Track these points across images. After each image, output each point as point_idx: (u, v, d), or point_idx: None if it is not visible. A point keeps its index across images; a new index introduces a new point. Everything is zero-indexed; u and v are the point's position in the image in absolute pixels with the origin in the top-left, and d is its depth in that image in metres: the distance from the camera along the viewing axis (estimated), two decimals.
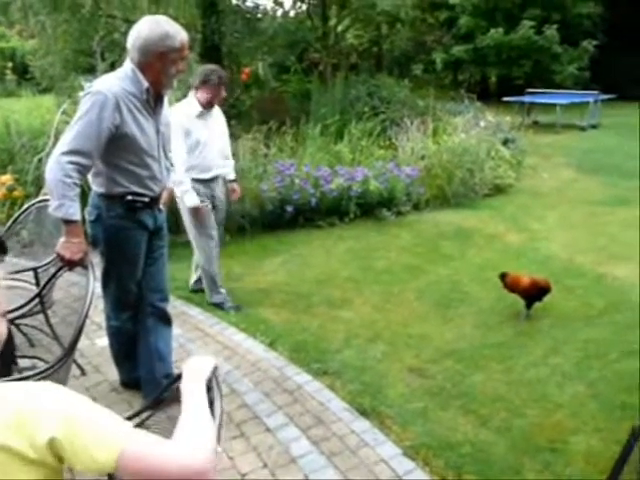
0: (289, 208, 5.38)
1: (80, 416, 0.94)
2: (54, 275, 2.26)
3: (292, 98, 9.40)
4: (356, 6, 10.51)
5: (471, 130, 7.35)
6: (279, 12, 11.18)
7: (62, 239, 2.19)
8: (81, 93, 2.33)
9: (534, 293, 3.69)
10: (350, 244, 5.16)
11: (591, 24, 15.45)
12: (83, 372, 2.90)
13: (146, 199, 2.41)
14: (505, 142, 7.87)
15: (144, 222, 2.46)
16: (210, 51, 8.40)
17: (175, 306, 3.80)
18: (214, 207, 3.82)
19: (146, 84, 2.27)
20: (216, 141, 3.75)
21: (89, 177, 2.40)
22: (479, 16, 15.18)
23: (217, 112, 3.83)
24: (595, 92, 12.20)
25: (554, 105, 11.54)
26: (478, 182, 6.57)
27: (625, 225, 5.62)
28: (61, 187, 2.12)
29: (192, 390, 1.13)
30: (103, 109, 2.16)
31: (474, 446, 2.51)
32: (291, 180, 5.51)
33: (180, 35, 2.26)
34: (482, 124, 7.84)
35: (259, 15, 10.37)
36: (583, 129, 11.59)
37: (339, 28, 11.45)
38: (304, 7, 11.31)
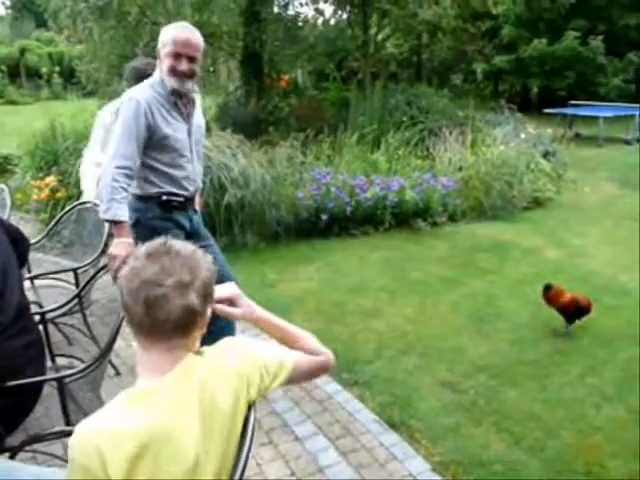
0: (324, 216, 5.39)
1: (263, 353, 1.30)
2: (93, 276, 2.31)
3: (330, 106, 9.43)
4: (397, 15, 10.48)
5: (511, 142, 7.23)
6: (320, 20, 11.27)
7: (114, 241, 2.29)
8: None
9: (572, 311, 3.59)
10: (384, 254, 5.13)
11: (638, 35, 15.04)
12: (117, 372, 2.95)
13: (181, 199, 2.48)
14: (545, 155, 7.71)
15: (181, 222, 2.52)
16: (251, 58, 8.53)
17: None
18: None
19: (170, 87, 2.37)
20: None
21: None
22: (522, 26, 14.96)
23: None
24: None
25: (597, 118, 11.26)
26: (517, 195, 6.45)
27: None
28: (109, 191, 2.27)
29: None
30: (137, 114, 2.30)
31: (506, 465, 2.45)
32: (327, 188, 5.52)
33: (170, 32, 2.30)
34: (522, 136, 7.70)
35: (300, 23, 10.47)
36: (628, 143, 11.27)
37: (379, 37, 11.44)
38: (345, 16, 11.36)
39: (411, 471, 2.39)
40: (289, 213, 5.35)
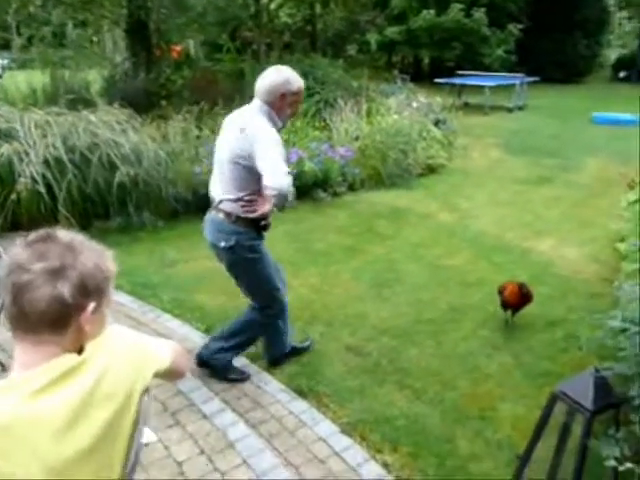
0: None
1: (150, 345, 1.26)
2: None
3: (225, 78, 9.18)
4: None
5: (404, 111, 7.46)
6: None
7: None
8: None
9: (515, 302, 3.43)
10: (288, 227, 5.12)
11: (516, 8, 15.93)
12: (4, 368, 2.75)
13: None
14: (436, 123, 8.04)
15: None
16: (137, 27, 8.08)
17: None
18: None
19: (280, 124, 2.67)
20: None
21: (228, 204, 2.64)
22: None
23: None
24: (520, 75, 12.65)
25: (483, 87, 11.88)
26: (411, 162, 6.69)
27: (548, 202, 5.91)
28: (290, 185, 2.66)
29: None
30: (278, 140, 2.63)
31: (409, 419, 2.59)
32: None
33: (298, 82, 2.67)
34: (414, 105, 7.96)
35: None
36: (510, 110, 12.00)
37: (272, 6, 11.26)
38: None
39: (320, 435, 2.46)
40: (187, 189, 5.19)
